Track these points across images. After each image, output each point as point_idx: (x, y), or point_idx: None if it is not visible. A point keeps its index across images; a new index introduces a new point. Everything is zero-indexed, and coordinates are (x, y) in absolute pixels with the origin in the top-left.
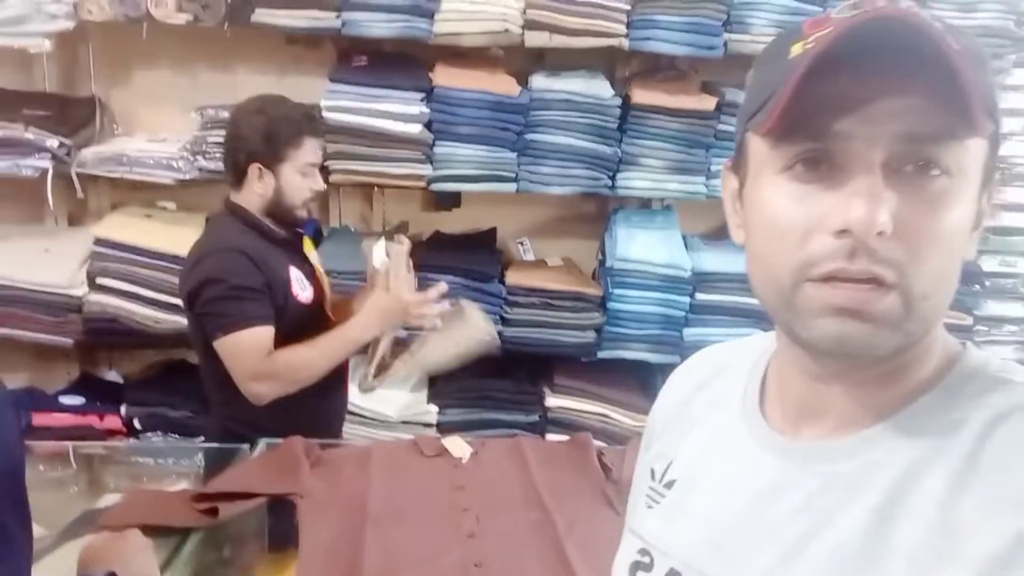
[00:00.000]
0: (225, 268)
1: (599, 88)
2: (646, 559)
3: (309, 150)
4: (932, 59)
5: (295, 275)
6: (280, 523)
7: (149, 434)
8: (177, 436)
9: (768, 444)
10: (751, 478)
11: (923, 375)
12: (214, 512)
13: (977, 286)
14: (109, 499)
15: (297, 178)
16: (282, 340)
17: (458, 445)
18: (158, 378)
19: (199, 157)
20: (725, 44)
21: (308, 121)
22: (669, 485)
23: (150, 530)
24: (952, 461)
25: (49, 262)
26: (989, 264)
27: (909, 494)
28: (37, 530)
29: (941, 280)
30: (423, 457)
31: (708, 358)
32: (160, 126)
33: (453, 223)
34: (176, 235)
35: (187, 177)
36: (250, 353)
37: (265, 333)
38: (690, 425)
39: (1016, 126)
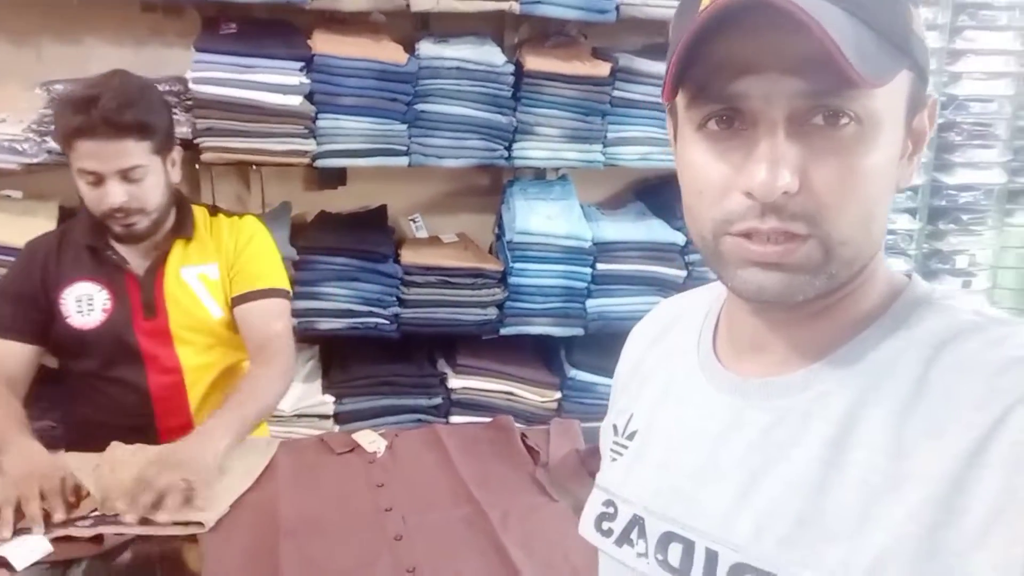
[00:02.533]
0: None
1: (490, 55)
2: (610, 509)
3: (82, 154)
4: (810, 18)
5: (79, 291)
6: (180, 544)
7: None
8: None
9: (722, 384)
10: (707, 419)
11: (865, 308)
12: (98, 539)
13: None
14: None
15: (81, 184)
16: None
17: (370, 439)
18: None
19: (47, 138)
20: (617, 8)
21: (86, 118)
22: (630, 437)
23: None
24: (899, 388)
25: None
26: None
27: (860, 421)
28: None
29: (862, 223)
30: (333, 455)
31: (662, 312)
32: (1, 105)
33: (340, 202)
34: (25, 227)
35: (35, 161)
36: None
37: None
38: (647, 378)
39: None
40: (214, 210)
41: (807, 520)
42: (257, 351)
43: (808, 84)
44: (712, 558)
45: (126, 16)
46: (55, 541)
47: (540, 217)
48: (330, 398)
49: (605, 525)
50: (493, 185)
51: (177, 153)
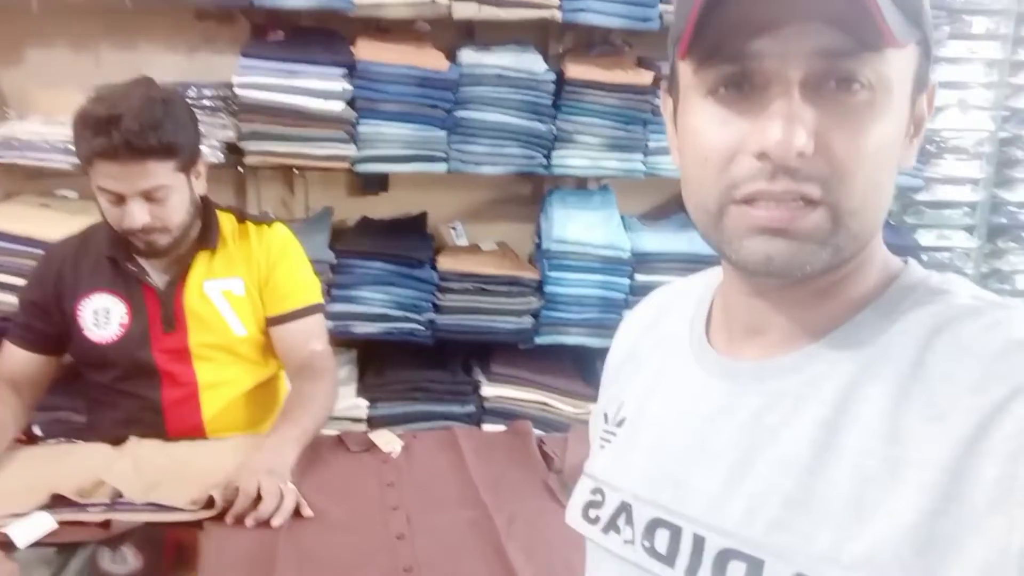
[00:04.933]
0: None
1: (531, 63)
2: (597, 497)
3: (103, 175)
4: None
5: (97, 303)
6: (182, 532)
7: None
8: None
9: (714, 369)
10: (698, 403)
11: (862, 290)
12: (105, 524)
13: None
14: None
15: (102, 201)
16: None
17: (387, 439)
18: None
19: None
20: (661, 16)
21: (107, 141)
22: (620, 424)
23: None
24: (895, 372)
25: None
26: (926, 239)
27: (854, 404)
28: None
29: (870, 194)
30: (349, 453)
31: (653, 300)
32: (58, 108)
33: (381, 208)
34: (76, 226)
35: None
36: None
37: (9, 351)
38: (639, 365)
39: (951, 99)
40: (241, 217)
41: (798, 503)
42: (299, 370)
43: (828, 41)
44: (699, 544)
45: (180, 24)
46: (63, 524)
47: (578, 226)
48: (364, 402)
49: (592, 513)
50: (534, 195)
51: (203, 164)
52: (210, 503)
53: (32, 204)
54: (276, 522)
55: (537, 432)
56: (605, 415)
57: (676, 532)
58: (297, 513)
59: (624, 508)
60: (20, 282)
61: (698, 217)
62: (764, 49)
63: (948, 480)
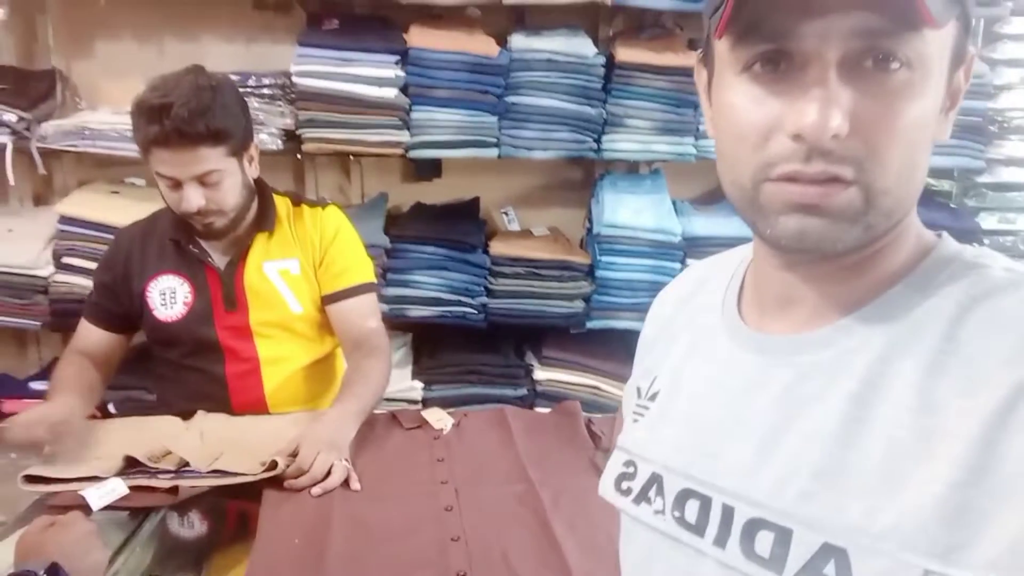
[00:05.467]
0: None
1: (581, 47)
2: (630, 469)
3: (159, 161)
4: None
5: (164, 284)
6: (244, 500)
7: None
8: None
9: (746, 342)
10: (730, 377)
11: (895, 265)
12: (173, 491)
13: (976, 244)
14: None
15: (161, 186)
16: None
17: (438, 416)
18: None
19: None
20: None
21: (160, 129)
22: (653, 397)
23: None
24: (927, 345)
25: (12, 243)
26: (988, 222)
27: (886, 378)
28: None
29: (904, 173)
30: (402, 429)
31: (688, 276)
32: (126, 98)
33: (435, 194)
34: (144, 211)
35: None
36: (72, 342)
37: (85, 329)
38: (673, 340)
39: (1014, 77)
40: (297, 200)
41: (828, 473)
42: (355, 347)
43: (867, 21)
44: (728, 513)
45: (239, 14)
46: (134, 490)
47: (628, 210)
48: (419, 384)
49: (624, 484)
50: (585, 179)
51: (255, 148)
52: (272, 466)
53: (103, 191)
54: (315, 492)
55: (586, 414)
56: (638, 389)
57: (706, 502)
58: (345, 484)
59: (655, 479)
60: (93, 265)
61: (732, 192)
62: (802, 29)
63: (978, 453)
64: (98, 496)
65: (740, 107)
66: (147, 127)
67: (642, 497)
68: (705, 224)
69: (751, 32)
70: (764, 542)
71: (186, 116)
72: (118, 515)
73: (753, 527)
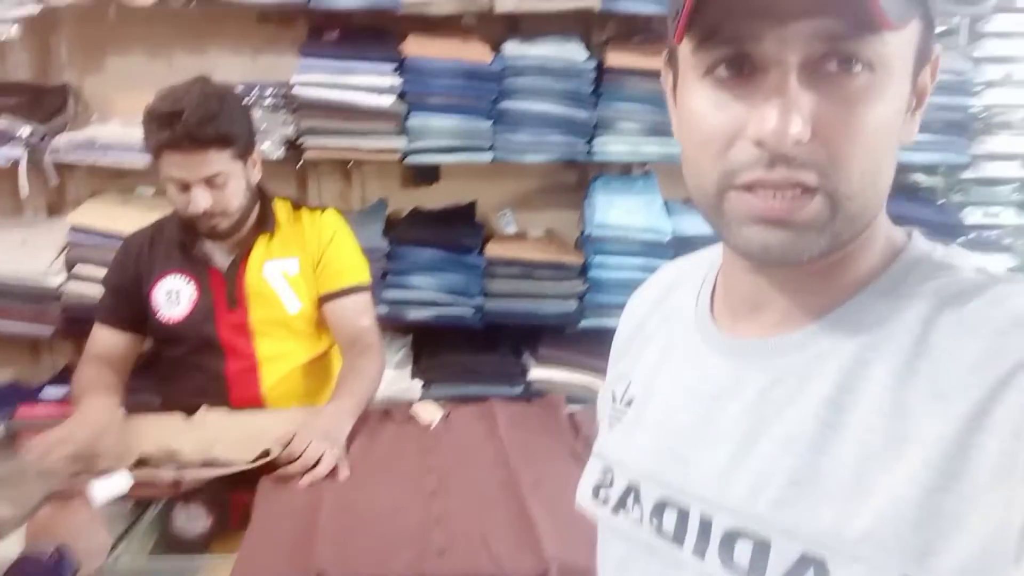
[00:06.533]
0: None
1: (573, 52)
2: (607, 477)
3: (169, 164)
4: None
5: (169, 285)
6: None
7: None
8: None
9: (719, 346)
10: (703, 382)
11: (866, 268)
12: (177, 484)
13: (961, 238)
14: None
15: (170, 189)
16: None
17: (429, 410)
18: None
19: None
20: None
21: (171, 133)
22: (628, 403)
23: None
24: (899, 348)
25: (26, 253)
26: (973, 216)
27: (858, 381)
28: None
29: (868, 177)
30: (393, 423)
31: (660, 278)
32: (136, 111)
33: (434, 198)
34: (151, 219)
35: None
36: (88, 347)
37: (99, 333)
38: (646, 343)
39: (997, 74)
40: (296, 204)
41: (802, 480)
42: (350, 344)
43: (826, 25)
44: (707, 523)
45: (245, 27)
46: (137, 484)
47: (619, 211)
48: (418, 383)
49: (602, 494)
50: (580, 182)
51: (258, 154)
52: (264, 454)
53: (113, 201)
54: (305, 481)
55: (575, 407)
56: (613, 394)
57: (684, 511)
58: (334, 472)
59: (632, 488)
60: (104, 273)
61: (698, 199)
62: (760, 33)
63: (950, 457)
64: (102, 492)
65: (702, 113)
66: (159, 132)
67: (620, 506)
68: (695, 223)
69: (711, 36)
70: (743, 552)
71: (196, 121)
72: (118, 506)
73: (732, 537)
